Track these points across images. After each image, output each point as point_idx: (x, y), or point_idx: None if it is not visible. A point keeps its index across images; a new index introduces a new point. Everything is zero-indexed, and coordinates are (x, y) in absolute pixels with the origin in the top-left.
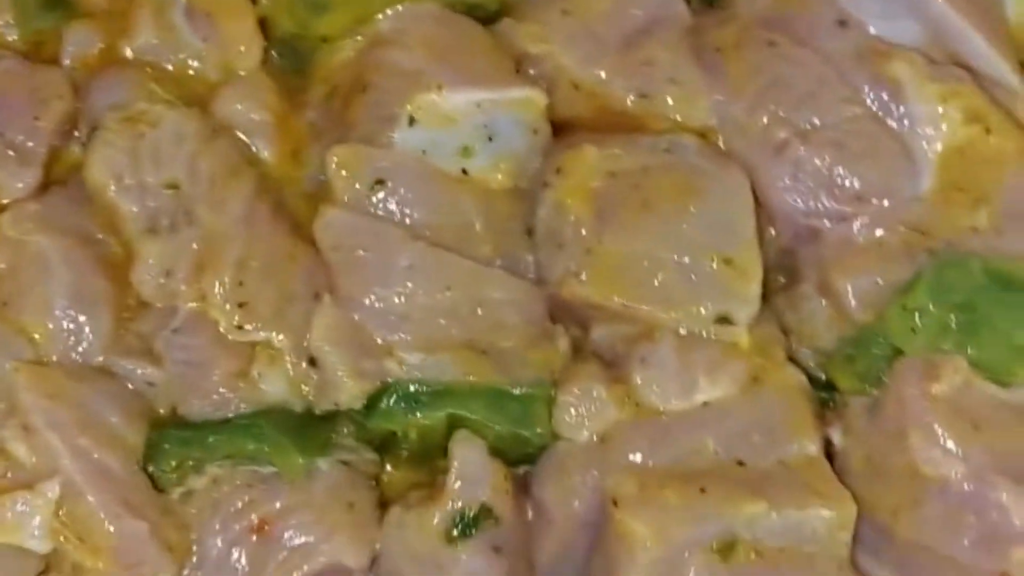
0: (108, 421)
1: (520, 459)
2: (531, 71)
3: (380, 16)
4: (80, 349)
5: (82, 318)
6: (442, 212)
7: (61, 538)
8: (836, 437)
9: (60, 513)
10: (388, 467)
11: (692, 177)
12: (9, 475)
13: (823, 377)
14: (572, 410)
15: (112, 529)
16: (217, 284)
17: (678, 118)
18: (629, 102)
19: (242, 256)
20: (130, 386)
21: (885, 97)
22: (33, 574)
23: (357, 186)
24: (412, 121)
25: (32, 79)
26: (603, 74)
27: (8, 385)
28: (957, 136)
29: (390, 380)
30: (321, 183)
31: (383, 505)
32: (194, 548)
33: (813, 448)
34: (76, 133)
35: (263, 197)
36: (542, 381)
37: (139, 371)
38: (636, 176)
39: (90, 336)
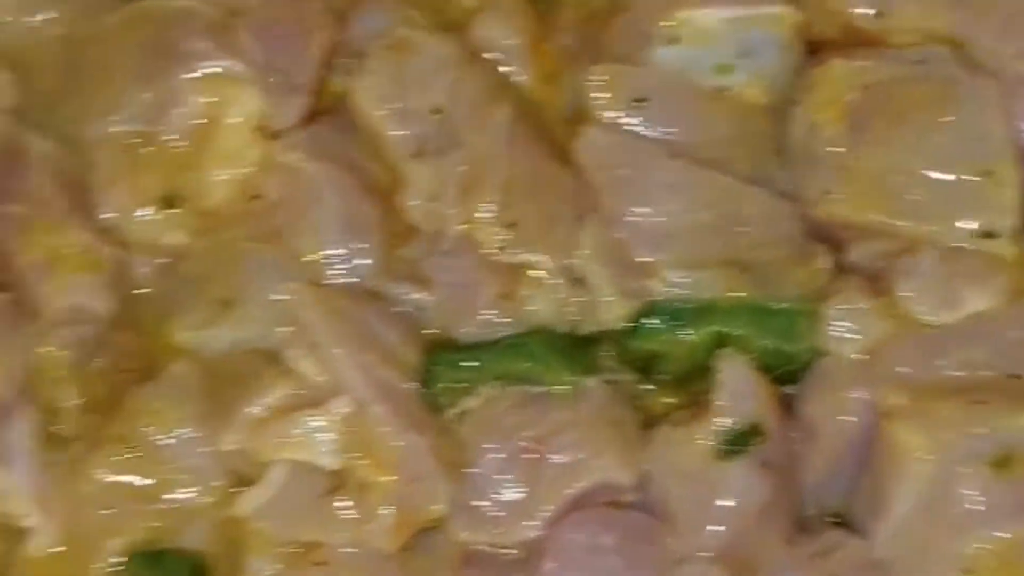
0: (387, 340)
1: (782, 378)
2: None
3: None
4: (352, 274)
5: (353, 244)
6: (700, 129)
7: (349, 454)
8: None
9: (348, 429)
10: (649, 389)
11: (945, 87)
12: (298, 393)
13: None
14: (838, 324)
15: (396, 443)
16: (484, 206)
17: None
18: (872, 19)
19: (507, 178)
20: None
21: None
22: (323, 491)
23: (617, 105)
24: (670, 39)
25: (297, 10)
26: None
27: (291, 306)
28: None
29: (654, 299)
30: (578, 107)
31: (646, 426)
32: (469, 467)
33: None
34: (339, 62)
35: (523, 120)
36: (805, 297)
37: (409, 295)
38: (889, 88)
39: (361, 261)
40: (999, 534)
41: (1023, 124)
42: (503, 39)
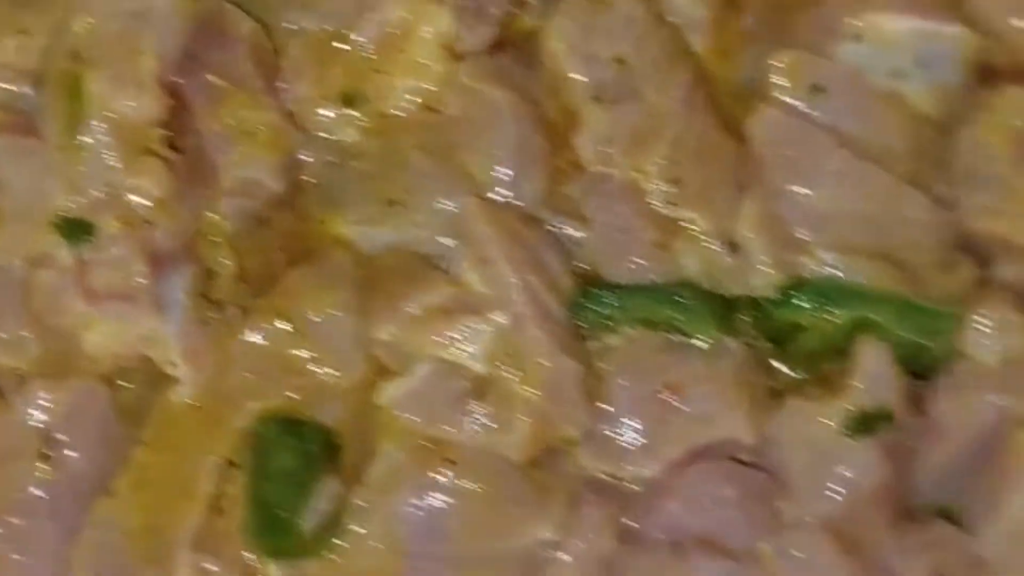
0: (549, 266)
1: (914, 373)
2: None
3: None
4: (516, 198)
5: (521, 169)
6: (870, 127)
7: (499, 364)
8: None
9: (502, 341)
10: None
11: None
12: (458, 299)
13: None
14: (982, 331)
15: (549, 364)
16: (654, 158)
17: None
18: None
19: (679, 136)
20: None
21: None
22: (465, 393)
23: (796, 90)
24: (854, 37)
25: None
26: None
27: (460, 217)
28: None
29: (805, 275)
30: (751, 85)
31: (772, 394)
32: (603, 400)
33: None
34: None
35: (699, 87)
36: (952, 300)
37: (567, 229)
38: None
39: (527, 187)
40: None
41: None
42: (690, 8)
